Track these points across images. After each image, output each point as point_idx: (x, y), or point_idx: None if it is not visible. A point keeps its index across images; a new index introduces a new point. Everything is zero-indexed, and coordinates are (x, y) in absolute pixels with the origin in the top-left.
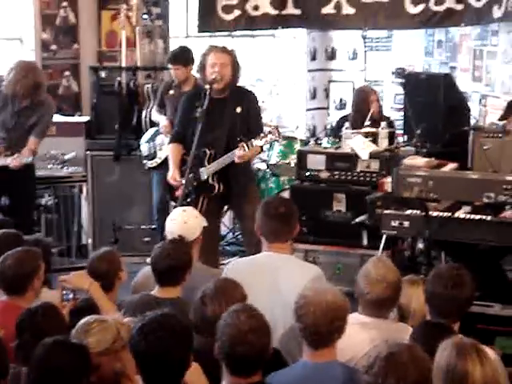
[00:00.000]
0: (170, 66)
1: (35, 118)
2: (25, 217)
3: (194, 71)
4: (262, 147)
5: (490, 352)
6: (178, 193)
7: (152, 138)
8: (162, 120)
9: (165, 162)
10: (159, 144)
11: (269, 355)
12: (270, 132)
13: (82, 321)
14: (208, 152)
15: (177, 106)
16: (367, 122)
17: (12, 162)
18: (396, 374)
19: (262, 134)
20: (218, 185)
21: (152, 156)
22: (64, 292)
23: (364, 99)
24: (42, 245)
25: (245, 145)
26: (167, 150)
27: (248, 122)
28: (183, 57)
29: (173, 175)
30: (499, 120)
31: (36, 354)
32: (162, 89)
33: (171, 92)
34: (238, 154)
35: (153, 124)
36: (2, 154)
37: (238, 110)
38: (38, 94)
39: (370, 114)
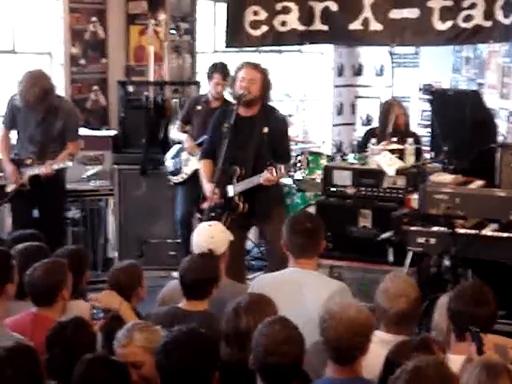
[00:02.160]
0: (215, 77)
1: (60, 123)
2: (55, 230)
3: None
4: (288, 166)
5: None
6: (204, 205)
7: (177, 154)
8: (184, 140)
9: (190, 177)
10: (184, 160)
11: (301, 366)
12: (299, 161)
13: (131, 322)
14: (239, 171)
15: (203, 122)
16: (389, 130)
17: (41, 170)
18: None
19: (290, 162)
20: (242, 204)
21: (177, 172)
22: (94, 311)
23: (387, 110)
24: (78, 255)
25: (274, 169)
26: (198, 165)
27: (274, 143)
28: (226, 70)
29: (209, 189)
30: None
31: (77, 370)
32: (189, 104)
33: (198, 107)
34: (265, 177)
35: (173, 142)
36: (34, 165)
37: (265, 130)
38: (49, 99)
39: (391, 125)
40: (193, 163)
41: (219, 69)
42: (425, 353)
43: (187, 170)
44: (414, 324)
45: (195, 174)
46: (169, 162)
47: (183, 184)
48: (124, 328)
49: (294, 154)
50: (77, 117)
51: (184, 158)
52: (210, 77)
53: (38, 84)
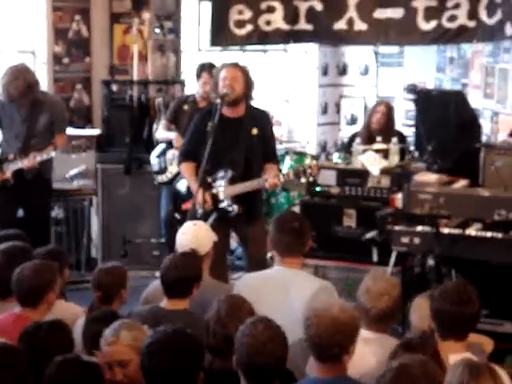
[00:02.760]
0: (203, 76)
1: (46, 116)
2: (40, 229)
3: None
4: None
5: (501, 372)
6: (186, 206)
7: (162, 154)
8: (174, 138)
9: (175, 177)
10: (170, 159)
11: (285, 366)
12: (309, 167)
13: (119, 321)
14: (230, 174)
15: (190, 122)
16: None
17: (24, 163)
18: (407, 382)
19: (300, 169)
20: (237, 208)
21: (162, 171)
22: None
23: (372, 110)
24: (57, 254)
25: (281, 175)
26: (181, 169)
27: (264, 144)
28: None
29: (199, 194)
30: (509, 136)
31: (48, 372)
32: (176, 104)
33: (185, 107)
34: (271, 182)
35: (157, 141)
36: (17, 159)
37: (255, 131)
38: (32, 92)
39: (373, 123)
40: (180, 167)
41: (207, 68)
42: (425, 352)
43: (172, 170)
44: (394, 321)
45: (180, 174)
46: (154, 161)
47: (168, 183)
48: (111, 326)
49: (278, 153)
50: (63, 108)
51: (169, 157)
52: (198, 76)
53: (21, 77)
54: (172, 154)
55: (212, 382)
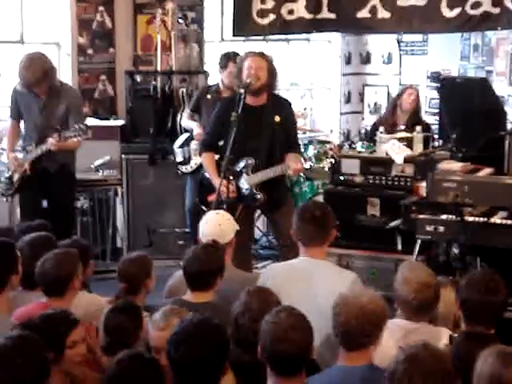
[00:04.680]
0: (229, 66)
1: (63, 106)
2: (64, 220)
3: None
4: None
5: None
6: (211, 198)
7: (186, 144)
8: (195, 127)
9: (199, 167)
10: (194, 149)
11: (310, 355)
12: (330, 148)
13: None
14: (252, 162)
15: (213, 111)
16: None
17: (51, 144)
18: (421, 371)
19: (321, 151)
20: (262, 196)
21: (186, 161)
22: None
23: (400, 94)
24: (81, 246)
25: (303, 160)
26: (202, 159)
27: (286, 132)
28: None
29: (220, 184)
30: None
31: (111, 368)
32: (199, 93)
33: (208, 96)
34: (294, 167)
35: (183, 129)
36: (34, 149)
37: (277, 119)
38: (49, 79)
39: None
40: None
41: (233, 58)
42: (489, 342)
43: (196, 160)
44: (433, 310)
45: None
46: (177, 152)
47: (192, 174)
48: (161, 311)
49: (301, 143)
50: (80, 100)
51: (193, 147)
52: (223, 66)
53: (36, 63)
54: (195, 144)
55: (241, 375)
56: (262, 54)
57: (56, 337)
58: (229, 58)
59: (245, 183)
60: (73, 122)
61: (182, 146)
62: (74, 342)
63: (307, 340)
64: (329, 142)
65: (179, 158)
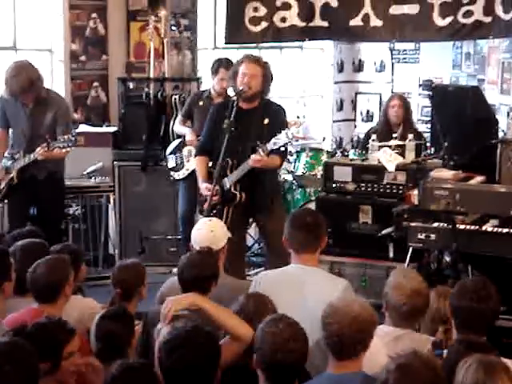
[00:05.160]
0: (220, 72)
1: (50, 115)
2: (53, 227)
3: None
4: (282, 156)
5: None
6: (205, 205)
7: (178, 150)
8: (187, 133)
9: (192, 173)
10: (186, 155)
11: (305, 363)
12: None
13: None
14: (230, 162)
15: (205, 117)
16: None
17: (38, 153)
18: (412, 380)
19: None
20: (239, 194)
21: (179, 167)
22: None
23: (386, 105)
24: (73, 252)
25: (260, 149)
26: (195, 162)
27: (273, 134)
28: (231, 65)
29: (205, 188)
30: None
31: (112, 374)
32: (191, 99)
33: (201, 103)
34: (252, 158)
35: (176, 135)
36: (22, 158)
37: (266, 121)
38: (35, 88)
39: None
40: (194, 160)
41: (225, 64)
42: (489, 352)
43: (189, 166)
44: (422, 317)
45: None
46: (169, 158)
47: (184, 180)
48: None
49: (293, 150)
50: (68, 109)
51: (185, 153)
52: (215, 72)
53: (23, 73)
54: (188, 150)
55: (231, 378)
56: (257, 61)
57: (53, 347)
58: (220, 65)
59: (226, 184)
60: (60, 130)
61: (173, 152)
62: (71, 352)
63: (304, 349)
64: (321, 151)
65: (171, 164)
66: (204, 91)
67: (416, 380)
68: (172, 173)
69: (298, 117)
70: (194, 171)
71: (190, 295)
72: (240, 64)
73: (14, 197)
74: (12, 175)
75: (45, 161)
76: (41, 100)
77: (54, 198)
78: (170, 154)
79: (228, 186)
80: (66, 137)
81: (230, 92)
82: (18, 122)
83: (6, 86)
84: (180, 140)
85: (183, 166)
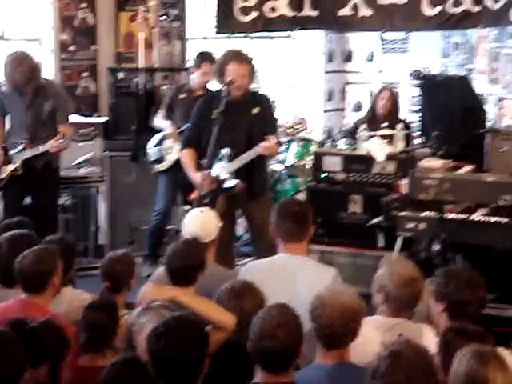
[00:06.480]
0: (203, 66)
1: (49, 104)
2: (47, 218)
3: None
4: (279, 143)
5: (509, 358)
6: (193, 195)
7: (159, 143)
8: (167, 127)
9: (173, 165)
10: (167, 148)
11: (298, 354)
12: (299, 123)
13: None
14: (229, 152)
15: (187, 110)
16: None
17: (51, 146)
18: (403, 368)
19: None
20: (239, 182)
21: (160, 160)
22: None
23: (376, 97)
24: (66, 244)
25: (270, 137)
26: (181, 155)
27: (265, 123)
28: (214, 59)
29: (200, 177)
30: None
31: (107, 371)
32: (172, 93)
33: (182, 96)
34: (262, 144)
35: (157, 128)
36: (27, 149)
37: (255, 110)
38: (36, 77)
39: (378, 109)
40: (175, 152)
41: (207, 58)
42: (480, 342)
43: (171, 158)
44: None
45: (178, 163)
46: (151, 151)
47: (166, 172)
48: (148, 310)
49: (283, 140)
50: (66, 98)
51: (167, 145)
52: (198, 66)
53: (23, 63)
54: (169, 143)
55: (226, 356)
56: (245, 60)
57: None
58: (203, 59)
59: (223, 173)
60: (60, 118)
61: (155, 146)
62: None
63: (294, 338)
64: (310, 141)
65: (153, 157)
66: (184, 84)
67: (407, 368)
68: (153, 165)
69: (303, 118)
70: (175, 163)
71: (170, 290)
72: (228, 63)
73: (11, 187)
74: (17, 165)
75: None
76: (39, 89)
77: (49, 188)
78: (154, 146)
79: (225, 176)
80: (83, 131)
81: (213, 86)
82: (17, 111)
83: (7, 80)
84: (163, 133)
85: (164, 159)
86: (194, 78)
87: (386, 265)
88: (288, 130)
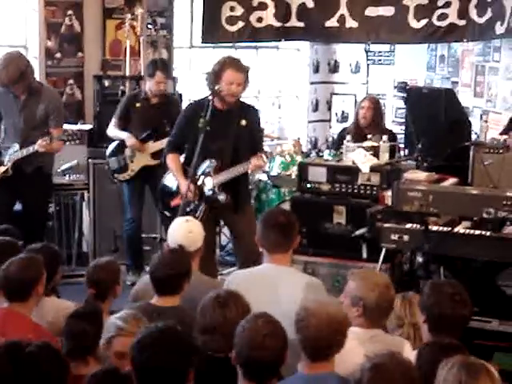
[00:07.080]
0: (157, 75)
1: (42, 106)
2: (36, 225)
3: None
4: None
5: (495, 371)
6: (175, 202)
7: (119, 151)
8: (126, 137)
9: (138, 173)
10: (129, 156)
11: (284, 362)
12: (292, 145)
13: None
14: (215, 162)
15: (143, 118)
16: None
17: (40, 145)
18: (386, 381)
19: (279, 147)
20: (224, 196)
21: (123, 169)
22: None
23: (357, 107)
24: (51, 252)
25: (263, 155)
26: (167, 159)
27: (252, 136)
28: (168, 67)
29: (186, 186)
30: (500, 135)
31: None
32: (127, 101)
33: (138, 104)
34: (254, 163)
35: (112, 138)
36: (19, 150)
37: (243, 122)
38: (26, 78)
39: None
40: (139, 159)
41: (161, 67)
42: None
43: (134, 167)
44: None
45: (142, 170)
46: (111, 161)
47: (129, 181)
48: (122, 316)
49: (269, 149)
50: (60, 102)
51: (128, 154)
52: (151, 75)
53: (12, 63)
54: (130, 151)
55: (208, 366)
56: (242, 68)
57: None
58: (157, 67)
59: (208, 184)
60: (53, 123)
61: (114, 155)
62: None
63: (282, 347)
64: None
65: (115, 166)
66: (138, 93)
67: (390, 380)
68: (116, 175)
69: (298, 138)
70: (139, 172)
71: None
72: (225, 69)
73: (0, 190)
74: (7, 167)
75: (35, 154)
76: (33, 92)
77: (39, 194)
78: (110, 156)
79: (210, 187)
80: (70, 130)
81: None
82: (10, 114)
83: None
84: (118, 142)
85: (128, 168)
86: (149, 87)
87: (357, 278)
88: (284, 154)
